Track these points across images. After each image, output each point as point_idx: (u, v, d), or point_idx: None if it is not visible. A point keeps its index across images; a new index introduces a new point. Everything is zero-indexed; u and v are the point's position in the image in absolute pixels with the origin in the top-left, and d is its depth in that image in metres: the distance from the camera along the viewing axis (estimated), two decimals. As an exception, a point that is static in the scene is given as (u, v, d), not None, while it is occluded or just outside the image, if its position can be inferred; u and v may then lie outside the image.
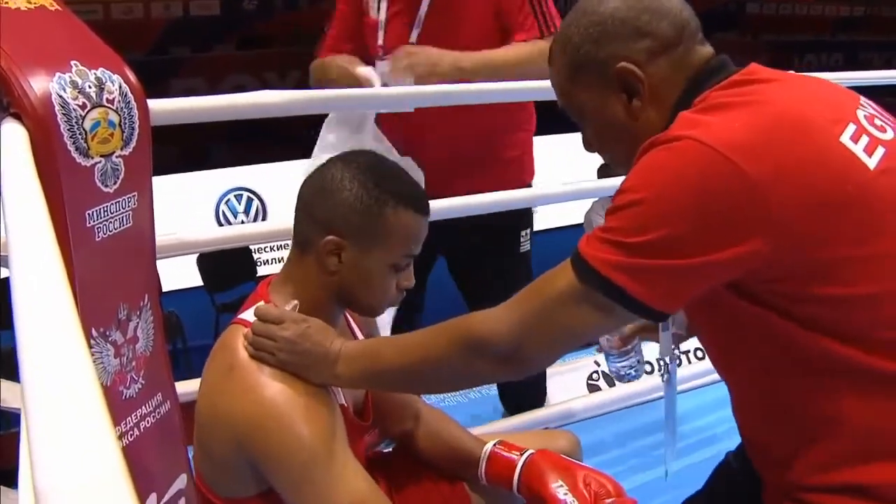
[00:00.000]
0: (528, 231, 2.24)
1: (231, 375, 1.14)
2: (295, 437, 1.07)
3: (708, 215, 0.88)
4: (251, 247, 5.07)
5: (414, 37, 1.97)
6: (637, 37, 1.02)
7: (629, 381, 1.51)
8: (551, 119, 1.78)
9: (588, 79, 1.06)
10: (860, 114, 0.97)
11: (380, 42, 2.01)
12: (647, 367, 2.96)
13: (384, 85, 1.86)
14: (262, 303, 1.22)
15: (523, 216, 2.22)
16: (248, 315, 1.21)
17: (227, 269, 4.78)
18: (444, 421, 1.48)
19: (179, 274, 4.58)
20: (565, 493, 1.25)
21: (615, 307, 0.93)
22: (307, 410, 1.10)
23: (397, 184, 1.22)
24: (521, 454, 1.34)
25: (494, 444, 1.39)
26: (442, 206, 1.83)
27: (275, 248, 5.68)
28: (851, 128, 0.94)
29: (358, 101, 1.87)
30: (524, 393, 2.33)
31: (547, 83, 1.16)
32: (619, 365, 1.49)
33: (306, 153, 1.95)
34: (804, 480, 1.00)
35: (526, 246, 2.23)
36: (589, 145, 1.14)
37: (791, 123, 0.91)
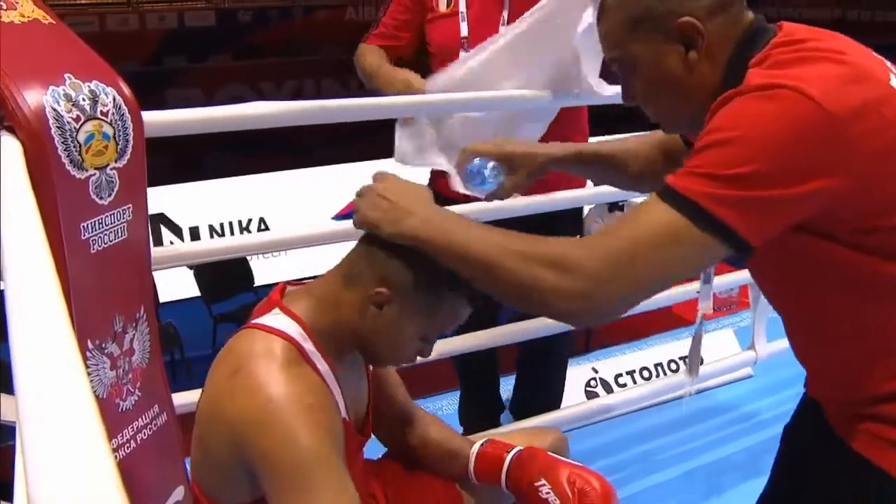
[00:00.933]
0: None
1: (236, 377, 1.13)
2: (291, 439, 1.07)
3: (799, 151, 0.93)
4: (248, 257, 5.07)
5: (504, 19, 2.01)
6: None
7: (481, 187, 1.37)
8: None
9: (646, 31, 1.09)
10: (887, 63, 1.05)
11: (464, 34, 2.03)
12: (658, 371, 3.00)
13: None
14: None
15: (573, 231, 2.29)
16: (263, 320, 1.20)
17: (225, 279, 4.77)
18: (435, 423, 1.49)
19: (176, 284, 4.59)
20: (548, 492, 1.27)
21: (709, 238, 0.95)
22: (308, 416, 1.09)
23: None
24: (509, 452, 1.35)
25: (483, 443, 1.40)
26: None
27: (269, 257, 5.69)
28: (892, 76, 1.02)
29: (358, 111, 1.86)
30: (538, 395, 2.35)
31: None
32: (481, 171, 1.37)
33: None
34: (868, 393, 1.08)
35: None
36: (631, 98, 1.17)
37: (858, 71, 0.98)
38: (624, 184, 1.53)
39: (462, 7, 2.03)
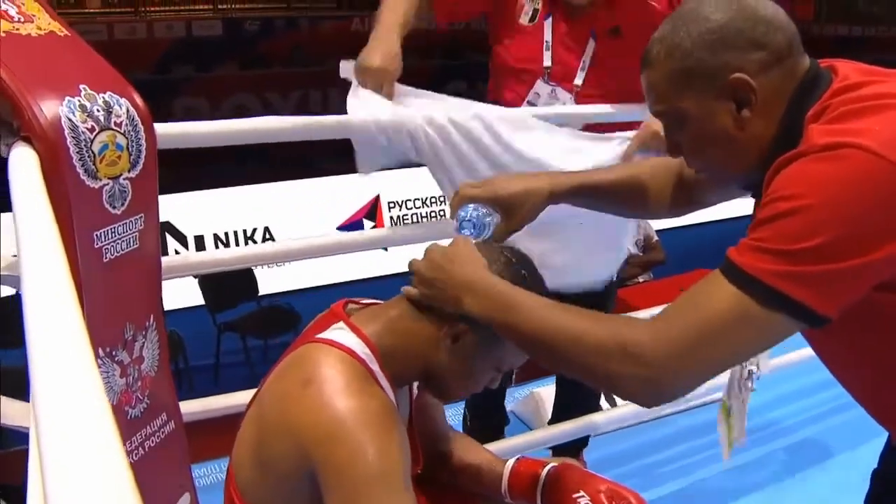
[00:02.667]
0: None
1: (307, 389, 1.11)
2: (362, 452, 1.05)
3: (872, 215, 0.89)
4: (252, 266, 5.08)
5: (580, 80, 2.01)
6: (753, 48, 1.02)
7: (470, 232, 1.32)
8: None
9: (697, 86, 1.04)
10: None
11: (546, 63, 2.01)
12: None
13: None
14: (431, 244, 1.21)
15: None
16: (330, 335, 1.18)
17: (229, 288, 4.78)
18: (470, 442, 1.49)
19: (181, 293, 4.60)
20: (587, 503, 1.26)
21: (782, 318, 0.91)
22: (380, 432, 1.08)
23: (534, 282, 1.20)
24: (544, 467, 1.35)
25: (515, 461, 1.39)
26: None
27: (273, 266, 5.71)
28: None
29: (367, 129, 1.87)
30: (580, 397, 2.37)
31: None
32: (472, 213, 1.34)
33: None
34: None
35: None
36: (676, 151, 1.13)
37: None
38: (635, 213, 1.48)
39: (548, 36, 2.00)
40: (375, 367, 1.16)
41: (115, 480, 0.51)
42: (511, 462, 1.39)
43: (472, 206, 1.31)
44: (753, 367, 1.87)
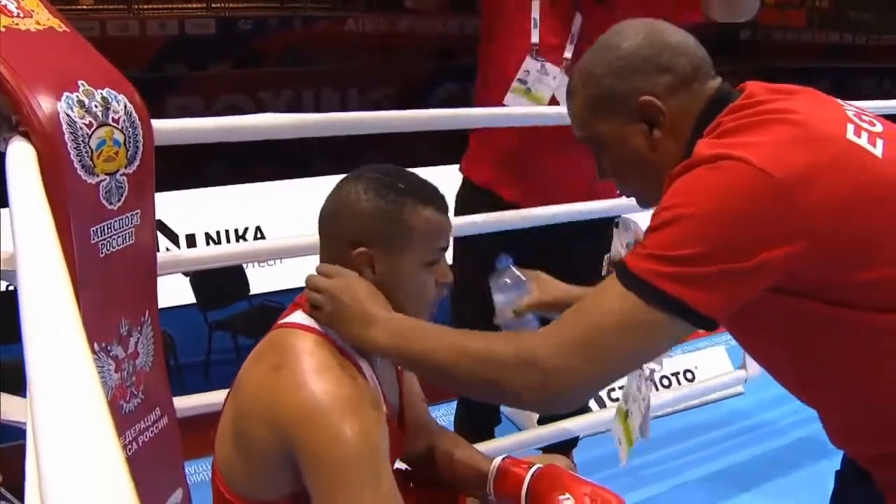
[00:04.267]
0: (608, 257, 2.31)
1: (280, 373, 1.12)
2: (341, 434, 1.07)
3: (747, 223, 0.93)
4: (244, 265, 5.07)
5: (569, 52, 2.04)
6: (659, 72, 1.08)
7: None
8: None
9: (610, 110, 1.11)
10: (849, 113, 1.04)
11: (534, 40, 2.04)
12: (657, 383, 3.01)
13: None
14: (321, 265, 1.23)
15: (606, 243, 2.31)
16: (293, 319, 1.21)
17: (220, 286, 4.77)
18: (456, 440, 1.50)
19: (172, 291, 4.59)
20: None
21: (667, 317, 0.95)
22: (357, 412, 1.09)
23: (411, 185, 1.23)
24: (529, 468, 1.36)
25: (502, 460, 1.40)
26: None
27: (265, 265, 5.71)
28: (850, 126, 1.01)
29: (362, 125, 1.89)
30: None
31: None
32: None
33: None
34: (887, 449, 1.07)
35: (604, 271, 2.30)
36: (604, 173, 1.19)
37: (808, 131, 0.97)
38: None
39: (535, 13, 2.03)
40: (338, 338, 1.18)
41: (112, 475, 0.52)
42: (497, 461, 1.40)
43: (511, 260, 1.34)
44: (656, 366, 1.89)
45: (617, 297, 0.97)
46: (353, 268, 1.21)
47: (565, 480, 1.32)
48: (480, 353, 1.03)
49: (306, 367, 1.12)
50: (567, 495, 1.29)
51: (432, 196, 1.23)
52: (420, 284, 1.23)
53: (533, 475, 1.34)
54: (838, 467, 1.28)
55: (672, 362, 3.06)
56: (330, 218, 1.24)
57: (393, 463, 1.31)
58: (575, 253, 2.25)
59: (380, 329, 1.13)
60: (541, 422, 2.54)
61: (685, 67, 1.09)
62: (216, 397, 1.69)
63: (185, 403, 1.58)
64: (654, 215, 0.99)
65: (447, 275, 1.26)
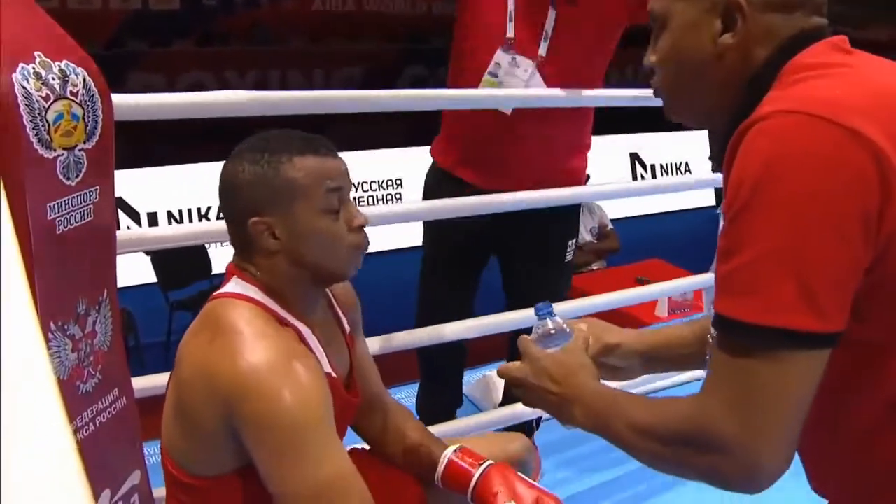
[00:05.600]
0: (574, 242, 2.35)
1: (214, 344, 1.12)
2: (282, 403, 1.06)
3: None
4: (206, 245, 5.02)
5: (543, 50, 2.04)
6: None
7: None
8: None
9: None
10: None
11: (509, 35, 2.03)
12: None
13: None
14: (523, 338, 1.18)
15: (571, 227, 2.35)
16: (227, 289, 1.21)
17: (182, 266, 4.72)
18: (410, 420, 1.50)
19: (132, 270, 4.52)
20: None
21: (810, 353, 0.84)
22: (295, 378, 1.09)
23: (282, 142, 1.21)
24: (479, 466, 1.36)
25: (454, 451, 1.40)
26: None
27: (227, 245, 5.65)
28: None
29: (327, 104, 1.87)
30: None
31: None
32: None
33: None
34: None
35: (570, 256, 2.34)
36: (651, 57, 1.05)
37: (879, 92, 0.88)
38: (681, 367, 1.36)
39: (511, 6, 2.03)
40: (273, 304, 1.19)
41: (61, 460, 0.50)
42: (449, 452, 1.40)
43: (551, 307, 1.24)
44: None
45: (755, 353, 0.85)
46: (255, 242, 1.20)
47: (512, 484, 1.32)
48: (674, 448, 0.94)
49: (242, 337, 1.11)
50: (511, 502, 1.30)
51: (306, 144, 1.21)
52: (326, 235, 1.20)
53: (481, 475, 1.35)
54: None
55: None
56: (222, 203, 1.23)
57: (343, 428, 1.31)
58: (541, 238, 2.26)
59: (578, 411, 1.07)
60: (503, 404, 2.55)
61: None
62: (176, 378, 1.67)
63: (145, 384, 1.56)
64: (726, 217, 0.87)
65: (356, 216, 1.24)
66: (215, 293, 1.22)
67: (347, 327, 1.38)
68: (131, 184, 5.77)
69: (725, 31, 0.96)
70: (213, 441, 1.13)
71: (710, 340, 0.92)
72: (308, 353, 1.17)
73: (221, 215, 1.26)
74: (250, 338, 1.11)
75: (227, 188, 1.21)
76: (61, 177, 1.15)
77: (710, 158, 1.08)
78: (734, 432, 0.86)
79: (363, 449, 1.51)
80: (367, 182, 6.99)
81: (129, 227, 5.69)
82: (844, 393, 0.92)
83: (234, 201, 1.21)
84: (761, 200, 0.82)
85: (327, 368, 1.22)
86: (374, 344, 1.96)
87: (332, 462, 1.09)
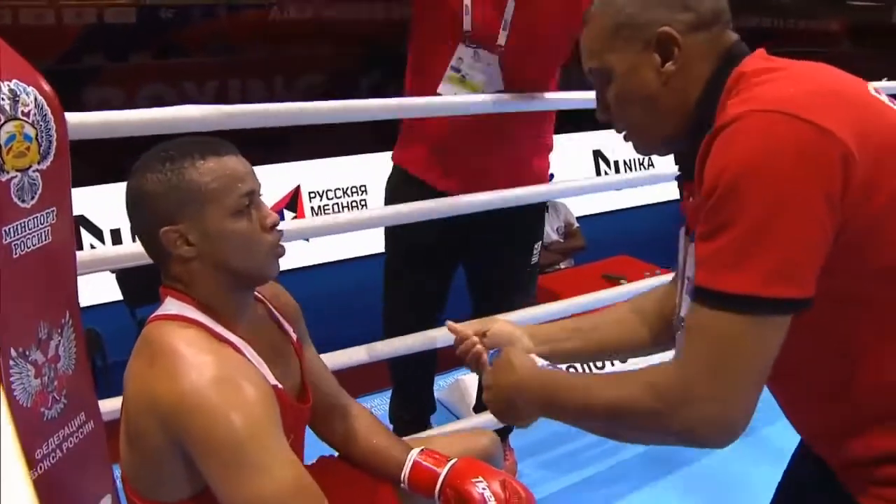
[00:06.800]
0: (539, 244, 2.36)
1: (154, 365, 1.12)
2: (223, 422, 1.06)
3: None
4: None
5: (502, 39, 2.03)
6: (681, 9, 1.06)
7: None
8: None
9: (625, 39, 1.08)
10: (870, 87, 1.04)
11: (466, 28, 2.02)
12: (586, 369, 3.05)
13: None
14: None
15: (537, 231, 2.36)
16: (161, 311, 1.21)
17: (148, 282, 4.65)
18: (373, 423, 1.50)
19: (98, 289, 4.45)
20: (483, 488, 1.32)
21: (779, 318, 0.94)
22: (235, 395, 1.09)
23: (182, 148, 1.20)
24: (444, 465, 1.36)
25: (419, 453, 1.40)
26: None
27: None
28: (871, 89, 1.02)
29: (286, 117, 1.85)
30: None
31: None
32: None
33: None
34: (865, 453, 1.03)
35: (536, 258, 2.35)
36: (605, 110, 1.15)
37: (828, 91, 0.97)
38: (634, 353, 1.49)
39: (467, 0, 2.01)
40: (207, 320, 1.18)
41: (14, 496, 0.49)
42: (414, 454, 1.41)
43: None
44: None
45: (727, 324, 0.95)
46: (170, 252, 1.19)
47: (480, 469, 1.35)
48: (633, 409, 1.03)
49: (181, 358, 1.11)
50: (480, 478, 1.33)
51: (208, 148, 1.20)
52: (239, 237, 1.20)
53: (448, 471, 1.36)
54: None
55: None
56: (131, 219, 1.22)
57: (300, 438, 1.31)
58: (506, 241, 2.26)
59: (540, 411, 1.19)
60: (476, 410, 2.55)
61: (707, 11, 1.07)
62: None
63: (114, 405, 1.53)
64: (706, 207, 0.95)
65: (269, 215, 1.23)
66: (152, 315, 1.21)
67: (294, 335, 1.38)
68: (92, 201, 5.68)
69: (665, 62, 1.07)
70: (166, 466, 1.13)
71: (679, 319, 1.03)
72: (249, 366, 1.17)
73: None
74: (189, 357, 1.11)
75: (134, 202, 1.21)
76: (16, 199, 1.13)
77: (679, 170, 1.16)
78: (716, 394, 0.95)
79: (331, 456, 1.51)
80: (331, 190, 6.96)
81: (92, 246, 5.60)
82: (812, 342, 1.01)
83: (142, 215, 1.20)
84: (744, 187, 0.90)
85: (272, 381, 1.22)
86: (342, 356, 1.95)
87: (283, 471, 1.09)
